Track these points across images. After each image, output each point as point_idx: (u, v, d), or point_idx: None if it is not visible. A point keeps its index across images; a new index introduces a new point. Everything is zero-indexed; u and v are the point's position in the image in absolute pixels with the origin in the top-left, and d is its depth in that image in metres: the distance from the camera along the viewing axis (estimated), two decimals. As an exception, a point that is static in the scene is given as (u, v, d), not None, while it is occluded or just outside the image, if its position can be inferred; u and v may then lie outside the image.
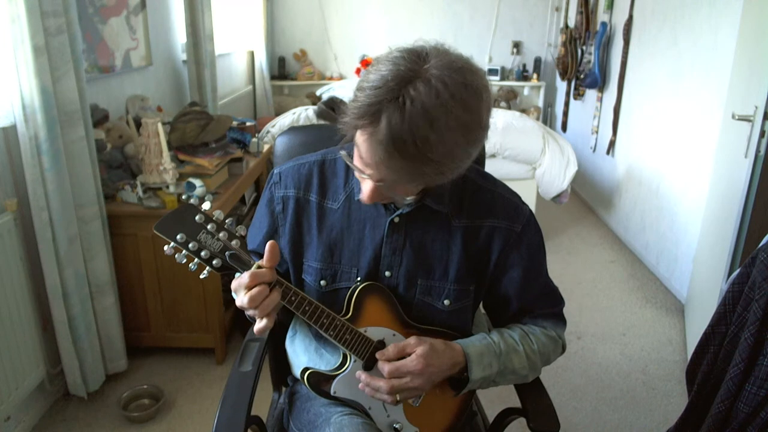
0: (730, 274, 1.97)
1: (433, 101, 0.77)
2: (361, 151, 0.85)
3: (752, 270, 1.33)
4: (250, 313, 0.92)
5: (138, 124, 2.28)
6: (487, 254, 1.06)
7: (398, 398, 0.98)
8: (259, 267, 0.89)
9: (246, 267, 0.90)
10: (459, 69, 0.80)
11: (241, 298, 0.89)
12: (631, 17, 3.70)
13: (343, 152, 0.94)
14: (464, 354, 1.01)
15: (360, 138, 0.84)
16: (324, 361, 1.08)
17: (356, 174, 0.94)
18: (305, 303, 0.94)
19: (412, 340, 0.99)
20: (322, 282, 1.04)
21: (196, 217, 0.88)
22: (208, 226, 0.88)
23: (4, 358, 1.70)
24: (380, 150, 0.80)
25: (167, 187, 2.16)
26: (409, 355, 0.97)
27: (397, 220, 1.02)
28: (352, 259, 1.04)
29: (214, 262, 0.90)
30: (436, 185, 0.93)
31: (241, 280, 0.89)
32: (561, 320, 1.15)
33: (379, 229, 1.03)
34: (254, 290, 0.88)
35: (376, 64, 0.83)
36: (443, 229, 1.04)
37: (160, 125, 2.13)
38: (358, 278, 1.04)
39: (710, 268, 2.29)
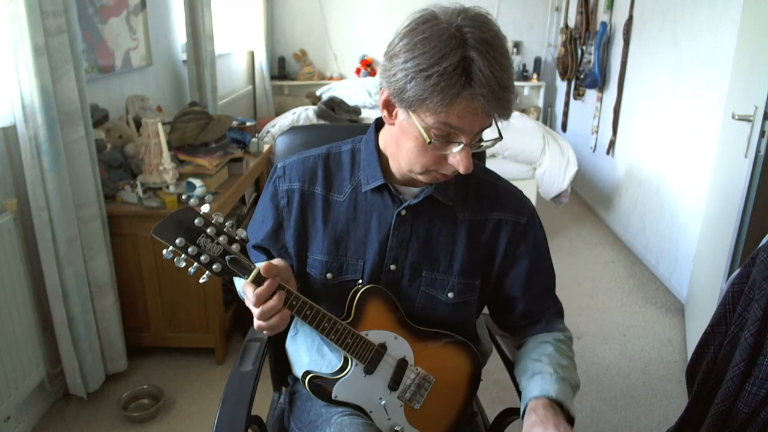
0: (730, 274, 1.97)
1: (485, 32, 0.82)
2: (462, 121, 0.84)
3: (752, 270, 1.33)
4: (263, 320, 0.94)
5: (138, 124, 2.28)
6: (494, 248, 1.06)
7: None
8: (259, 273, 0.89)
9: (247, 271, 0.89)
10: (463, 8, 0.86)
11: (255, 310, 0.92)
12: (631, 17, 3.70)
13: (433, 142, 0.87)
14: (558, 403, 0.94)
15: (454, 112, 0.83)
16: (326, 361, 1.08)
17: (444, 156, 0.89)
18: (306, 307, 0.94)
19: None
20: (329, 275, 1.04)
21: (196, 221, 0.86)
22: (208, 230, 0.87)
23: (4, 358, 1.70)
24: (490, 99, 0.81)
25: (167, 187, 2.16)
26: None
27: (404, 212, 1.02)
28: (357, 251, 1.04)
29: (214, 266, 0.88)
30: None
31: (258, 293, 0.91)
32: (562, 315, 1.16)
33: (386, 221, 1.03)
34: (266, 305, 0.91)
35: (410, 50, 0.83)
36: (449, 221, 1.04)
37: (160, 125, 2.13)
38: (361, 279, 1.04)
39: (710, 268, 2.29)
